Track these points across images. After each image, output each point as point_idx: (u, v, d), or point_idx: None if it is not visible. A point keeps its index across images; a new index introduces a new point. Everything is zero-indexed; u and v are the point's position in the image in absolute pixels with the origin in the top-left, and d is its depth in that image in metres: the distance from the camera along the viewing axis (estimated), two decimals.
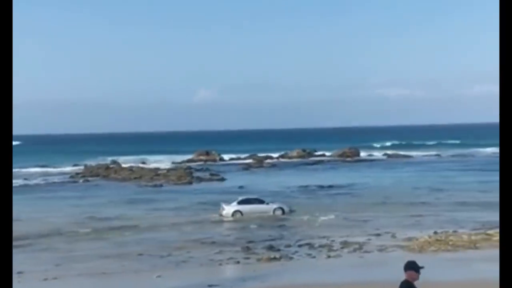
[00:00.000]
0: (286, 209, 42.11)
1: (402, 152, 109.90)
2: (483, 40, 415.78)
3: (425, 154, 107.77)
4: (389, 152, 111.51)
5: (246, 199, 43.08)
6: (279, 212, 41.46)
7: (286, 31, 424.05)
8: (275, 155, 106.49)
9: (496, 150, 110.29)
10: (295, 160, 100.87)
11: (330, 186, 58.45)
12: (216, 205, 47.04)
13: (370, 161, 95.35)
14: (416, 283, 10.49)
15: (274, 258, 27.40)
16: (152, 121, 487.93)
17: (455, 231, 32.29)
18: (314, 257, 28.00)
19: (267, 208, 41.79)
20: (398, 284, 10.54)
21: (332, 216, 39.41)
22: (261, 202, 42.74)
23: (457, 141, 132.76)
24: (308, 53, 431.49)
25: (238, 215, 40.91)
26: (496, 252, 26.87)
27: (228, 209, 41.34)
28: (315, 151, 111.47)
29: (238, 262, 27.09)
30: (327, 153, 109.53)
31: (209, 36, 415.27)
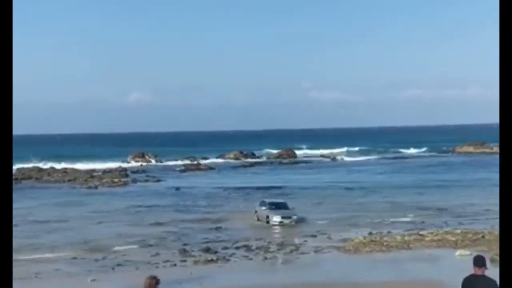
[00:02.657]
0: (274, 218, 36.67)
1: (338, 155, 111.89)
2: (412, 47, 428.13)
3: (360, 156, 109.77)
4: (325, 154, 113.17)
5: (271, 202, 39.23)
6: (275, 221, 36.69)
7: (219, 34, 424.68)
8: (212, 157, 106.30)
9: (422, 153, 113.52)
10: (232, 161, 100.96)
11: (267, 188, 58.71)
12: (150, 207, 46.81)
13: (307, 163, 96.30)
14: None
15: (211, 260, 27.33)
16: (84, 122, 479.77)
17: (389, 232, 32.94)
18: (250, 259, 28.08)
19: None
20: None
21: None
22: (285, 207, 38.25)
23: (389, 144, 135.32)
24: (241, 57, 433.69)
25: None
26: (427, 252, 27.68)
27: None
28: (252, 153, 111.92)
29: (175, 265, 26.93)
30: (264, 155, 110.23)
31: (141, 37, 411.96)
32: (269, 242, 31.35)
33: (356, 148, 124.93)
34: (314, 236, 33.01)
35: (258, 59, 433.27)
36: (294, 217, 37.07)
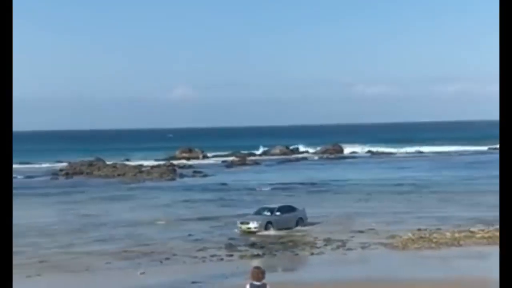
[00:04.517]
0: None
1: (384, 150, 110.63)
2: (457, 41, 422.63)
3: (407, 151, 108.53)
4: (372, 149, 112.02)
5: (264, 207, 36.81)
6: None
7: (261, 31, 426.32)
8: (257, 152, 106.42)
9: (474, 148, 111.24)
10: (277, 157, 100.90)
11: (313, 183, 58.54)
12: (197, 202, 47.05)
13: (353, 158, 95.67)
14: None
15: (257, 255, 27.42)
16: (132, 118, 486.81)
17: (438, 229, 32.40)
18: (297, 254, 28.08)
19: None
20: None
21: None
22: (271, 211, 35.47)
23: (439, 139, 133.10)
24: (284, 52, 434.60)
25: None
26: (478, 249, 27.17)
27: None
28: (298, 148, 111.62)
29: (222, 259, 27.12)
30: (310, 150, 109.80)
31: (183, 36, 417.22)
32: (315, 238, 31.28)
33: (403, 145, 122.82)
34: (361, 231, 32.77)
35: (301, 54, 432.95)
36: (255, 223, 33.96)
